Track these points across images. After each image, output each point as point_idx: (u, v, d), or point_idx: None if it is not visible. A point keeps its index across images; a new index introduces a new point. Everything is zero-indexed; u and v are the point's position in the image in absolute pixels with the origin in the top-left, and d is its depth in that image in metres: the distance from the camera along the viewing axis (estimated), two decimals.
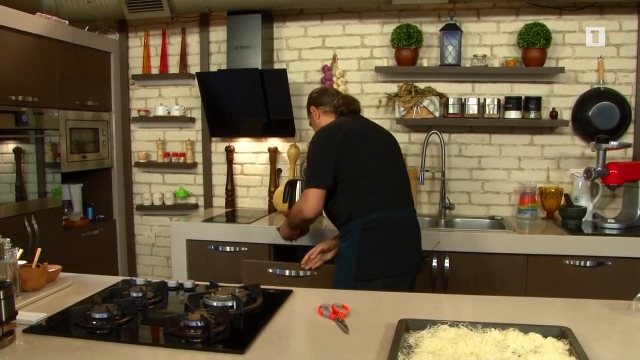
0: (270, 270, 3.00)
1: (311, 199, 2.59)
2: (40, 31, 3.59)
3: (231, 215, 4.04)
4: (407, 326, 1.61)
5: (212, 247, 3.62)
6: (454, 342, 1.48)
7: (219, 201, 4.43)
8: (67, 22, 3.87)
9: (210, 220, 3.83)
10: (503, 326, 1.58)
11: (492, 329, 1.56)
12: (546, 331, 1.55)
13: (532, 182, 3.89)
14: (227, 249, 3.60)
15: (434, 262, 3.30)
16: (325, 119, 2.87)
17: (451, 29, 3.81)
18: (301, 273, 2.93)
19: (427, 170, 3.87)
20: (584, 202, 3.71)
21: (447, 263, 3.29)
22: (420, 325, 1.61)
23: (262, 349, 1.52)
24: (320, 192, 2.60)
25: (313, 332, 1.67)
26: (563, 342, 1.50)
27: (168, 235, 4.47)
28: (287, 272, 2.98)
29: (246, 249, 3.57)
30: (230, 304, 1.79)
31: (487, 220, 3.87)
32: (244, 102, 4.01)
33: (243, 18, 3.94)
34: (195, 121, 4.42)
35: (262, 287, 1.98)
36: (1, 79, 3.30)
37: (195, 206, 4.46)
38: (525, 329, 1.56)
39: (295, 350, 1.53)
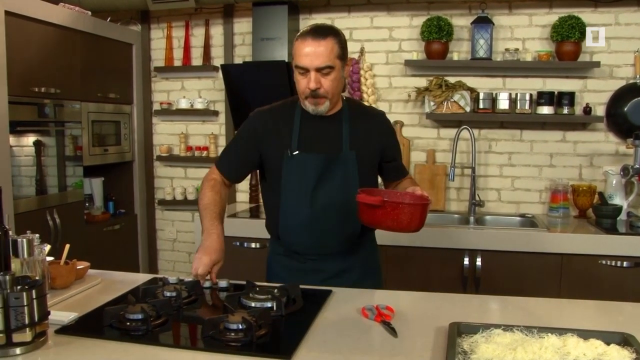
0: None
1: None
2: (62, 22, 3.53)
3: (255, 211, 3.96)
4: (459, 330, 1.53)
5: (237, 244, 3.54)
6: (512, 348, 1.41)
7: (243, 196, 4.34)
8: (89, 12, 3.80)
9: (234, 215, 3.74)
10: (560, 331, 1.51)
11: (549, 334, 1.50)
12: (607, 337, 1.47)
13: (564, 179, 3.78)
14: (253, 245, 3.52)
15: (466, 261, 3.21)
16: None
17: (482, 22, 3.69)
18: None
19: (456, 167, 3.75)
20: (618, 200, 3.61)
21: (479, 262, 3.20)
22: (472, 329, 1.54)
23: (309, 353, 1.44)
24: None
25: (360, 335, 1.58)
26: (628, 349, 1.41)
27: (189, 230, 4.42)
28: None
29: None
30: (270, 305, 1.70)
31: (518, 218, 3.77)
32: (269, 95, 3.87)
33: (269, 9, 3.86)
34: (218, 114, 4.34)
35: (300, 286, 1.90)
36: (23, 70, 3.24)
37: None
38: (584, 334, 1.48)
39: (345, 355, 1.44)
